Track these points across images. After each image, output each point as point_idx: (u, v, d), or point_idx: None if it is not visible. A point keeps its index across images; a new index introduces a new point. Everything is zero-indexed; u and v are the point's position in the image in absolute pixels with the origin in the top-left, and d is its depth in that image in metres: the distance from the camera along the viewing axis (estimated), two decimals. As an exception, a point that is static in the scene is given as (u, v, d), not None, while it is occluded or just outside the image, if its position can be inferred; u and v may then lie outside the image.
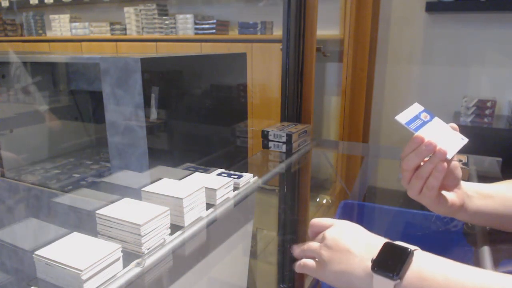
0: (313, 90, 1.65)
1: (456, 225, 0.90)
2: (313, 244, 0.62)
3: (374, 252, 0.54)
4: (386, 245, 0.54)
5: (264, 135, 1.44)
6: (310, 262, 0.61)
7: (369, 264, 0.53)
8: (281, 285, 0.78)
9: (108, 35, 3.61)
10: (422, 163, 0.64)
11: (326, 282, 0.61)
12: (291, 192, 1.27)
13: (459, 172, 0.67)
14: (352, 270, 0.55)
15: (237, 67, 1.43)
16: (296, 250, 0.66)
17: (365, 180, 1.40)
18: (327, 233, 0.60)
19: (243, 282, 0.85)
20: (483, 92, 2.37)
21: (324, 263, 0.58)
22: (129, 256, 0.69)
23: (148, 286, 0.67)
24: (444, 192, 0.67)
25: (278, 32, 2.94)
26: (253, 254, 0.92)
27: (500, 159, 1.31)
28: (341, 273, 0.56)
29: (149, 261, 0.70)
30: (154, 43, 3.25)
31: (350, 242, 0.57)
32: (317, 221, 0.65)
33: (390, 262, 0.51)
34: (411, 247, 0.53)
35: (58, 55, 1.45)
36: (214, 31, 3.06)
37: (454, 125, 0.67)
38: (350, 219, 1.09)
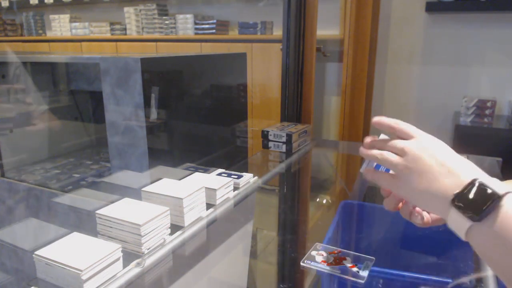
0: (313, 90, 1.65)
1: (456, 225, 0.90)
2: (390, 156, 0.57)
3: (459, 183, 0.50)
4: (473, 182, 0.49)
5: (264, 135, 1.44)
6: (384, 174, 0.59)
7: (451, 195, 0.50)
8: (281, 285, 0.78)
9: (108, 35, 3.61)
10: None
11: (399, 195, 0.60)
12: (291, 192, 1.27)
13: None
14: (431, 196, 0.53)
15: (237, 67, 1.43)
16: (366, 150, 0.62)
17: (365, 180, 1.40)
18: (409, 148, 0.55)
19: (243, 282, 0.85)
20: (483, 92, 2.37)
21: (402, 180, 0.56)
22: (129, 256, 0.69)
23: (148, 286, 0.67)
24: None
25: (278, 32, 2.94)
26: (253, 254, 0.92)
27: (500, 159, 1.31)
28: (419, 193, 0.54)
29: (149, 261, 0.70)
30: (154, 43, 3.25)
31: (435, 165, 0.52)
32: (399, 124, 0.59)
33: (474, 201, 0.48)
34: (501, 189, 0.47)
35: (58, 55, 1.45)
36: (214, 31, 3.06)
37: None
38: (350, 219, 1.09)
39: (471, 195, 0.48)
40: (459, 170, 0.51)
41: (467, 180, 0.50)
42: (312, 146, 1.58)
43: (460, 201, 0.49)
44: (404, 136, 0.58)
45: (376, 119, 0.61)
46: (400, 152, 0.56)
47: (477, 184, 0.49)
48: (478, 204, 0.47)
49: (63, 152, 1.60)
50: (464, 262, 0.81)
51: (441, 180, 0.52)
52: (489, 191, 0.47)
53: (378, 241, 1.05)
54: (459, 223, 0.49)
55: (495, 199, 0.47)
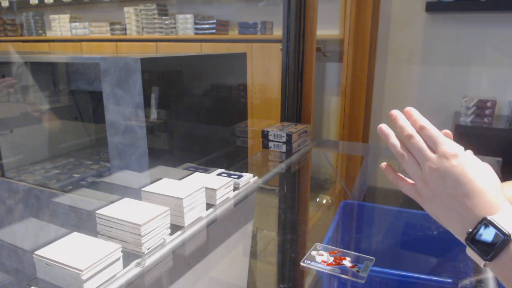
0: (313, 90, 1.65)
1: (456, 225, 0.90)
2: (412, 163, 0.57)
3: (472, 221, 0.50)
4: (483, 222, 0.49)
5: (264, 135, 1.44)
6: (414, 166, 0.57)
7: (465, 234, 0.50)
8: (281, 285, 0.78)
9: (108, 35, 3.60)
10: None
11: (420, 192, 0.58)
12: (291, 192, 1.27)
13: None
14: (449, 224, 0.54)
15: (237, 67, 1.43)
16: (398, 147, 0.59)
17: (365, 180, 1.40)
18: (429, 171, 0.54)
19: (243, 282, 0.84)
20: (483, 92, 2.37)
21: (425, 195, 0.56)
22: (129, 256, 0.69)
23: (148, 286, 0.67)
24: None
25: (278, 32, 2.94)
26: (253, 254, 0.91)
27: (500, 159, 1.31)
28: (437, 212, 0.55)
29: (149, 261, 0.70)
30: (154, 43, 3.25)
31: (452, 200, 0.52)
32: (429, 128, 0.56)
33: (483, 242, 0.48)
34: (510, 230, 0.47)
35: (58, 55, 1.45)
36: (214, 31, 3.06)
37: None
38: (350, 219, 1.09)
39: (480, 236, 0.49)
40: (474, 206, 0.51)
41: (478, 218, 0.50)
42: (312, 146, 1.58)
43: (472, 241, 0.50)
44: (429, 143, 0.56)
45: (407, 109, 0.60)
46: (421, 166, 0.56)
47: (486, 223, 0.49)
48: (487, 246, 0.48)
49: (63, 152, 1.60)
50: (464, 262, 0.81)
51: (458, 214, 0.52)
52: (498, 231, 0.47)
53: (378, 241, 1.05)
54: (474, 257, 0.50)
55: (504, 239, 0.47)
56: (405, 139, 0.59)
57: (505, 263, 0.47)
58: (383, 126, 0.61)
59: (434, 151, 0.55)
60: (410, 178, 0.60)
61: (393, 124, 0.61)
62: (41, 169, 1.42)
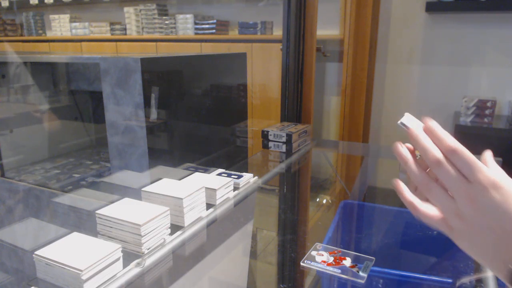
0: (313, 90, 1.65)
1: (456, 225, 0.90)
2: (446, 201, 0.49)
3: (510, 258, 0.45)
4: None
5: (264, 135, 1.44)
6: (440, 193, 0.50)
7: (505, 271, 0.46)
8: (281, 285, 0.78)
9: (108, 35, 3.61)
10: None
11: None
12: (291, 192, 1.27)
13: None
14: (486, 261, 0.48)
15: (237, 67, 1.43)
16: (421, 177, 0.50)
17: (365, 180, 1.40)
18: (466, 204, 0.47)
19: (243, 282, 0.85)
20: (483, 92, 2.37)
21: (457, 229, 0.49)
22: (129, 256, 0.69)
23: (148, 286, 0.67)
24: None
25: (278, 32, 2.94)
26: (253, 254, 0.92)
27: (500, 159, 1.31)
28: (474, 248, 0.49)
29: (149, 261, 0.70)
30: (154, 43, 3.25)
31: (493, 235, 0.46)
32: (461, 152, 0.47)
33: None
34: None
35: (58, 55, 1.45)
36: (214, 31, 3.06)
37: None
38: (350, 219, 1.10)
39: None
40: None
41: None
42: (312, 146, 1.58)
43: None
44: (462, 169, 0.47)
45: (429, 124, 0.51)
46: (456, 198, 0.48)
47: None
48: None
49: (63, 152, 1.60)
50: (464, 262, 0.81)
51: (499, 252, 0.46)
52: None
53: (378, 241, 1.05)
54: None
55: None
56: (431, 165, 0.49)
57: None
58: (401, 148, 0.52)
59: (467, 178, 0.47)
60: (411, 182, 0.54)
61: (412, 144, 0.53)
62: (41, 169, 1.42)
